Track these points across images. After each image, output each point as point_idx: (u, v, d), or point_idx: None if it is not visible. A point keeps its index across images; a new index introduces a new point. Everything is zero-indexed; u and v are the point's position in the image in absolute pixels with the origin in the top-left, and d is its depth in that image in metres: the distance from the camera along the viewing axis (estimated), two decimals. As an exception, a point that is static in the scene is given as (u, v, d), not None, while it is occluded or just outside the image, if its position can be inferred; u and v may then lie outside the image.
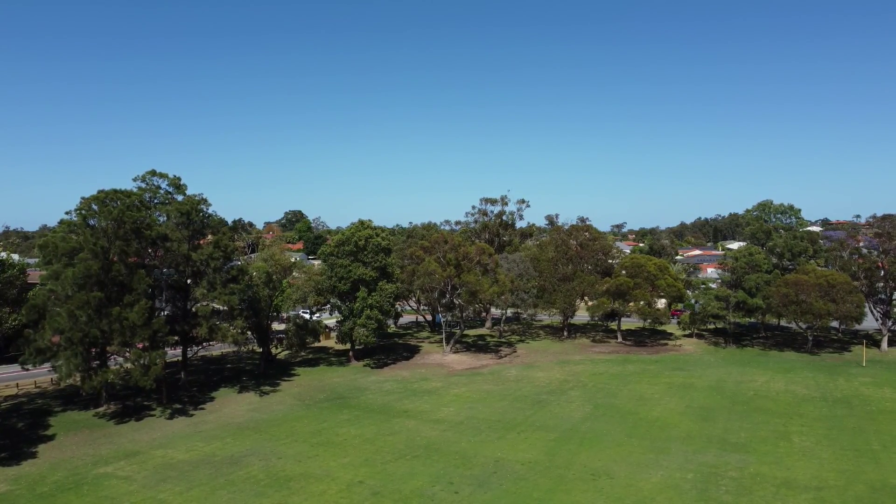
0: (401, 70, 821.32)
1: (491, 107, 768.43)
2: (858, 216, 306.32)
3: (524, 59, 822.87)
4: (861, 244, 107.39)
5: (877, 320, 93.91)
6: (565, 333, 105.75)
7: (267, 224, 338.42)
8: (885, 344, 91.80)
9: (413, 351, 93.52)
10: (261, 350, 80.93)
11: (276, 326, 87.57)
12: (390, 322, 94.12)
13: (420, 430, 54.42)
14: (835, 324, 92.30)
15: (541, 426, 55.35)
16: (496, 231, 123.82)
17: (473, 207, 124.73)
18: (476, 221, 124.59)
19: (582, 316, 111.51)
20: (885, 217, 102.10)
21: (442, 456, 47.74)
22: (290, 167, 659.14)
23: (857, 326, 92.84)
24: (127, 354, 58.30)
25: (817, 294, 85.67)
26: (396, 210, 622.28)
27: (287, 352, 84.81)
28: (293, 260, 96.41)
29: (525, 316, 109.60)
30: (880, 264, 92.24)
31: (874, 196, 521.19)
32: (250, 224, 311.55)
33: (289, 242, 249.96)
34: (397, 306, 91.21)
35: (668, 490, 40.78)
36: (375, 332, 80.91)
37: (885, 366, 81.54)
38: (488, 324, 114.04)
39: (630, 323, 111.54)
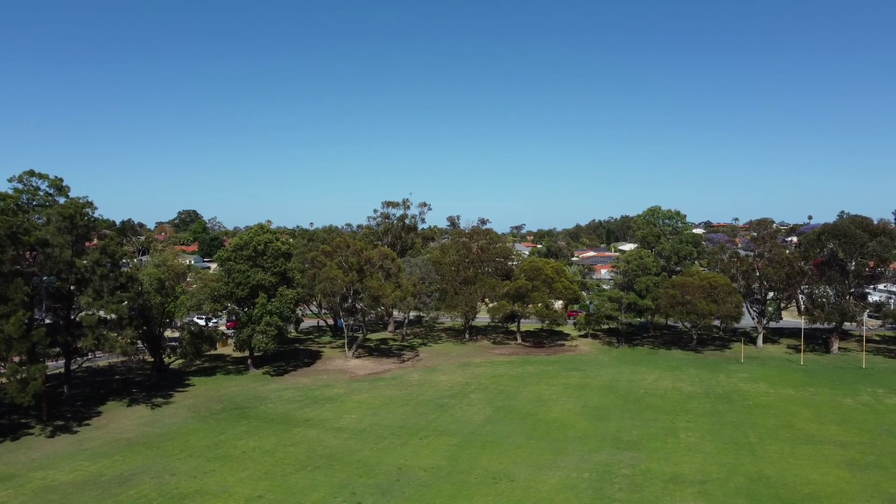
0: (298, 60, 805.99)
1: (390, 111, 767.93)
2: (737, 219, 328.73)
3: (419, 62, 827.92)
4: (739, 247, 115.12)
5: (753, 319, 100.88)
6: (467, 336, 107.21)
7: (159, 224, 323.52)
8: (760, 341, 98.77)
9: (314, 357, 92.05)
10: (152, 360, 77.24)
11: (171, 334, 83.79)
12: (291, 328, 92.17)
13: (322, 440, 53.65)
14: (717, 323, 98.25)
15: (443, 431, 55.86)
16: (399, 234, 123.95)
17: (376, 211, 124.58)
18: (379, 225, 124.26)
19: (483, 318, 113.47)
20: (761, 221, 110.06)
21: (344, 465, 47.27)
22: (182, 162, 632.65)
23: (736, 325, 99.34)
24: (2, 369, 54.15)
25: (701, 295, 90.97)
26: (298, 210, 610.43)
27: (181, 361, 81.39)
28: (188, 263, 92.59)
29: (427, 319, 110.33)
30: (756, 266, 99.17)
31: (751, 199, 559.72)
32: (140, 225, 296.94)
33: (183, 244, 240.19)
34: (298, 311, 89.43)
35: (566, 490, 42.17)
36: (275, 338, 79.02)
37: (760, 362, 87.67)
38: (391, 327, 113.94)
39: (529, 324, 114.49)
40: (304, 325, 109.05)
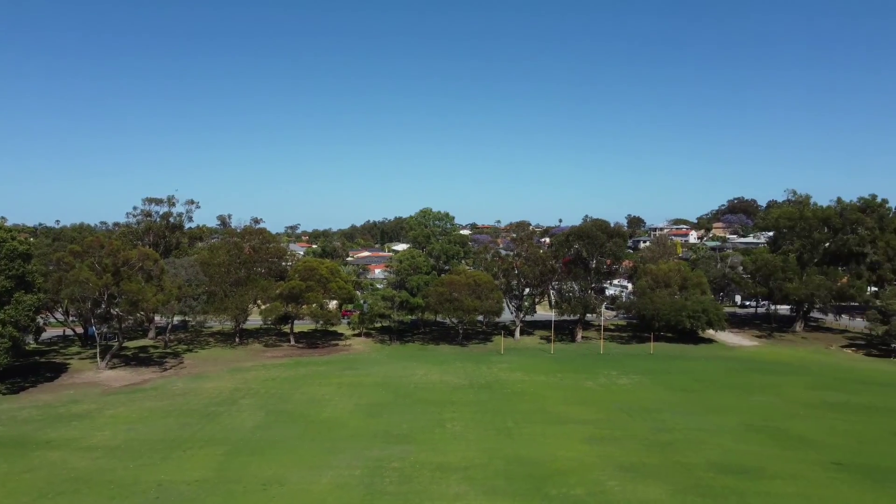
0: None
1: (150, 98, 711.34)
2: (499, 221, 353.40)
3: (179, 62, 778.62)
4: (501, 247, 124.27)
5: (512, 313, 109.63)
6: (237, 340, 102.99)
7: None
8: (518, 333, 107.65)
9: (59, 370, 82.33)
10: None
11: None
12: (30, 339, 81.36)
13: (67, 462, 48.13)
14: (480, 318, 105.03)
15: (210, 440, 53.13)
16: (162, 233, 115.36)
17: (135, 208, 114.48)
18: (139, 223, 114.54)
19: (255, 321, 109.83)
20: (519, 224, 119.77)
21: (93, 488, 42.87)
22: None
23: (497, 319, 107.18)
24: None
25: (467, 292, 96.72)
26: (41, 207, 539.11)
27: None
28: None
29: (194, 323, 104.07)
30: (515, 265, 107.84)
31: (511, 203, 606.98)
32: None
33: None
34: (39, 319, 79.34)
35: (338, 489, 42.38)
36: (10, 351, 69.26)
37: (517, 353, 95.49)
38: (152, 334, 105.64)
39: (303, 325, 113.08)
40: (46, 335, 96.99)
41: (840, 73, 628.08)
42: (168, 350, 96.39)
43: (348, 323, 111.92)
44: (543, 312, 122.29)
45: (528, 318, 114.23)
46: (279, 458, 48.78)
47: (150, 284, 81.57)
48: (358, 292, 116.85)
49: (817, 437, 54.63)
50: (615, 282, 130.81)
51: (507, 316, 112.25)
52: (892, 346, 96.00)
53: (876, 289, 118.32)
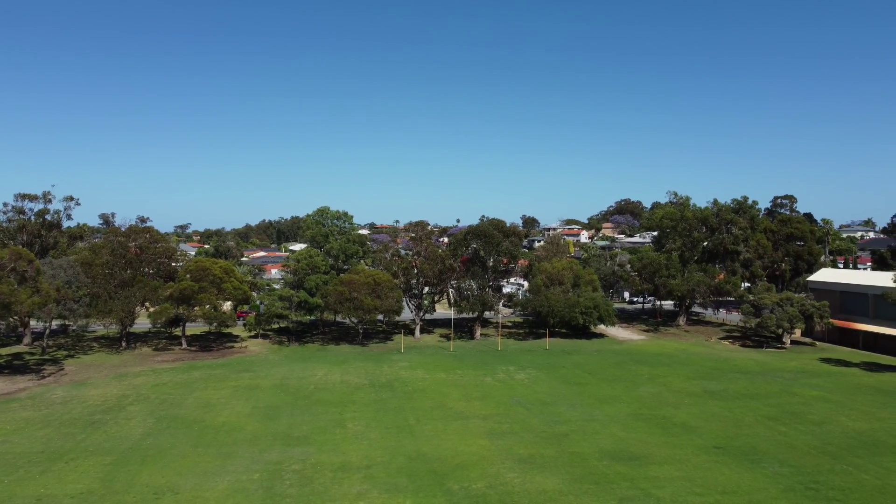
0: None
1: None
2: (398, 221, 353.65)
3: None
4: (400, 246, 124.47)
5: (412, 312, 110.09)
6: (124, 344, 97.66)
7: None
8: (418, 332, 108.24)
9: (-81, 381, 75.18)
10: None
11: None
12: None
13: (-69, 480, 44.11)
14: (381, 317, 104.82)
15: (95, 450, 50.18)
16: (38, 232, 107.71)
17: (6, 205, 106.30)
18: (11, 221, 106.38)
19: (143, 324, 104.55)
20: (418, 223, 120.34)
21: (-37, 507, 39.59)
22: None
23: (397, 318, 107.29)
24: None
25: (366, 291, 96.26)
26: None
27: None
28: None
29: (75, 328, 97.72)
30: (414, 264, 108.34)
31: (410, 202, 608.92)
32: None
33: None
34: None
35: (236, 494, 41.17)
36: None
37: (418, 351, 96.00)
38: (27, 339, 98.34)
39: (196, 328, 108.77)
40: None
41: (711, 78, 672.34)
42: (46, 357, 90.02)
43: (244, 324, 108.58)
44: (443, 311, 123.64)
45: (428, 316, 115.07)
46: (172, 465, 46.78)
47: (24, 286, 75.97)
48: (254, 293, 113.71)
49: (699, 423, 58.29)
50: (512, 280, 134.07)
51: (406, 315, 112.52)
52: (764, 337, 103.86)
53: (749, 284, 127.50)
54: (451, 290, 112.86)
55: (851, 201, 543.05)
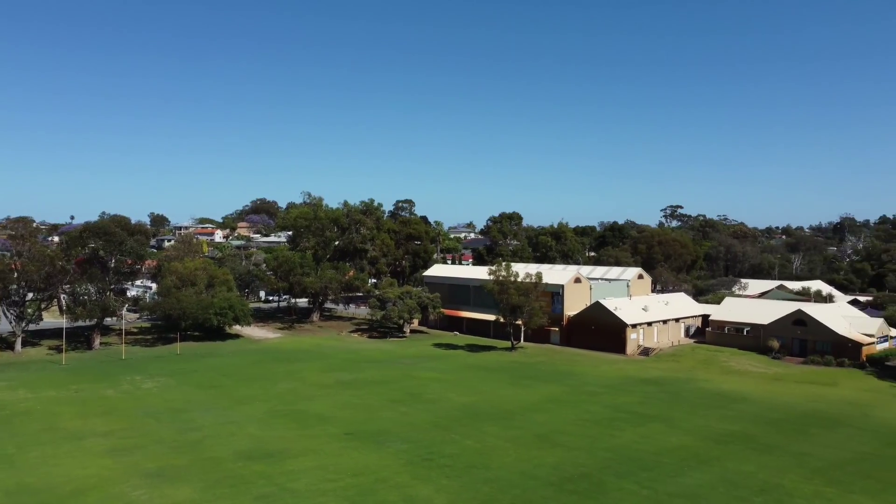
0: None
1: None
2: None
3: None
4: None
5: (11, 323, 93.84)
6: None
7: None
8: (19, 345, 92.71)
9: None
10: None
11: None
12: None
13: None
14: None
15: None
16: None
17: None
18: None
19: None
20: (20, 219, 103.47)
21: None
22: None
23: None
24: None
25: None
26: None
27: None
28: None
29: None
30: (15, 266, 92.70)
31: (8, 197, 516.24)
32: None
33: None
34: None
35: None
36: None
37: (20, 367, 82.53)
38: None
39: None
40: None
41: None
42: None
43: None
44: (52, 319, 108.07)
45: (33, 326, 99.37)
46: None
47: None
48: None
49: (333, 413, 61.32)
50: (138, 282, 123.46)
51: (4, 326, 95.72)
52: (389, 327, 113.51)
53: (375, 280, 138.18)
54: (62, 295, 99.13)
55: (457, 205, 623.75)
